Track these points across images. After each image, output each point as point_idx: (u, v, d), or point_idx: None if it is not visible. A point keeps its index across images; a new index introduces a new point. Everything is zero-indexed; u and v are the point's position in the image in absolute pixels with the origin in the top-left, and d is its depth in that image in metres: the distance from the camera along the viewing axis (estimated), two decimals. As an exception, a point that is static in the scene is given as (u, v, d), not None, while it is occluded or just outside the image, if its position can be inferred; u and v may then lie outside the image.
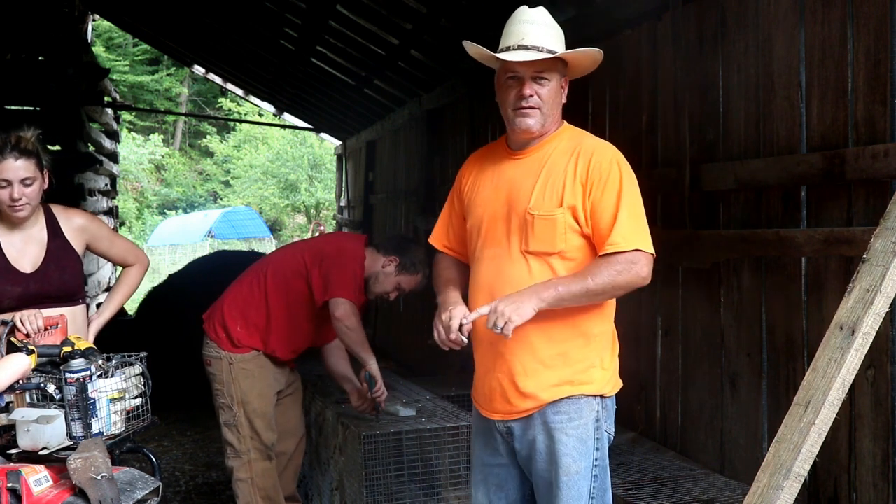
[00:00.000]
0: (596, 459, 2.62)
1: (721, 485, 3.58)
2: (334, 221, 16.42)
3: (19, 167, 3.21)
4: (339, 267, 3.96)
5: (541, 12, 2.64)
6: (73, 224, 3.47)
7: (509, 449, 2.72)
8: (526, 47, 2.56)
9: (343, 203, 13.02)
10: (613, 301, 2.67)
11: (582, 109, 4.92)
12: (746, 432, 3.63)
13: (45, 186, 3.34)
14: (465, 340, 2.56)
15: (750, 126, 3.62)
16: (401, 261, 4.07)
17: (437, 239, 2.94)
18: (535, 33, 2.57)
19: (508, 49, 2.59)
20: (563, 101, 2.69)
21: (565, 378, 2.60)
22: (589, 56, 2.66)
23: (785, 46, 3.42)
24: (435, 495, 3.83)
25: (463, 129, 7.23)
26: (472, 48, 2.67)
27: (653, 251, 2.55)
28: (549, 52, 2.56)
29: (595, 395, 2.62)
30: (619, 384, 2.72)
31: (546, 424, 2.61)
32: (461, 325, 2.54)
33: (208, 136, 33.21)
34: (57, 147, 8.46)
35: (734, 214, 3.73)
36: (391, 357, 8.40)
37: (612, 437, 2.71)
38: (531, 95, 2.59)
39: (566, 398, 2.59)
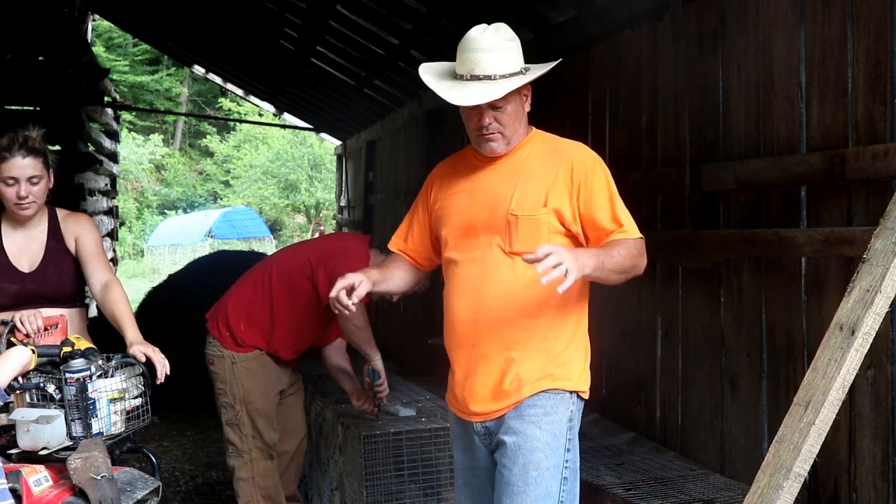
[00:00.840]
0: (567, 461, 2.61)
1: (721, 485, 3.58)
2: (334, 221, 16.41)
3: (27, 165, 3.22)
4: (346, 266, 3.95)
5: (490, 38, 2.55)
6: (74, 227, 3.46)
7: (488, 451, 2.72)
8: (478, 77, 2.54)
9: (343, 203, 13.01)
10: (587, 303, 2.71)
11: (582, 109, 4.92)
12: (746, 432, 3.62)
13: (51, 185, 3.35)
14: (353, 306, 2.58)
15: (750, 126, 3.62)
16: (404, 262, 4.07)
17: (394, 243, 2.96)
18: (485, 62, 2.53)
19: (462, 78, 2.57)
20: (528, 108, 2.70)
21: (547, 372, 2.61)
22: (545, 68, 2.62)
23: (785, 46, 3.42)
24: (435, 495, 3.83)
25: (463, 130, 7.20)
26: (427, 82, 2.64)
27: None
28: (501, 76, 2.53)
29: (571, 392, 2.63)
30: (587, 394, 2.71)
31: (520, 419, 2.60)
32: (353, 288, 2.59)
33: (208, 136, 33.19)
34: (57, 147, 8.45)
35: (734, 214, 3.73)
36: (391, 357, 8.41)
37: (577, 447, 2.68)
38: (490, 123, 2.61)
39: (544, 391, 2.60)
